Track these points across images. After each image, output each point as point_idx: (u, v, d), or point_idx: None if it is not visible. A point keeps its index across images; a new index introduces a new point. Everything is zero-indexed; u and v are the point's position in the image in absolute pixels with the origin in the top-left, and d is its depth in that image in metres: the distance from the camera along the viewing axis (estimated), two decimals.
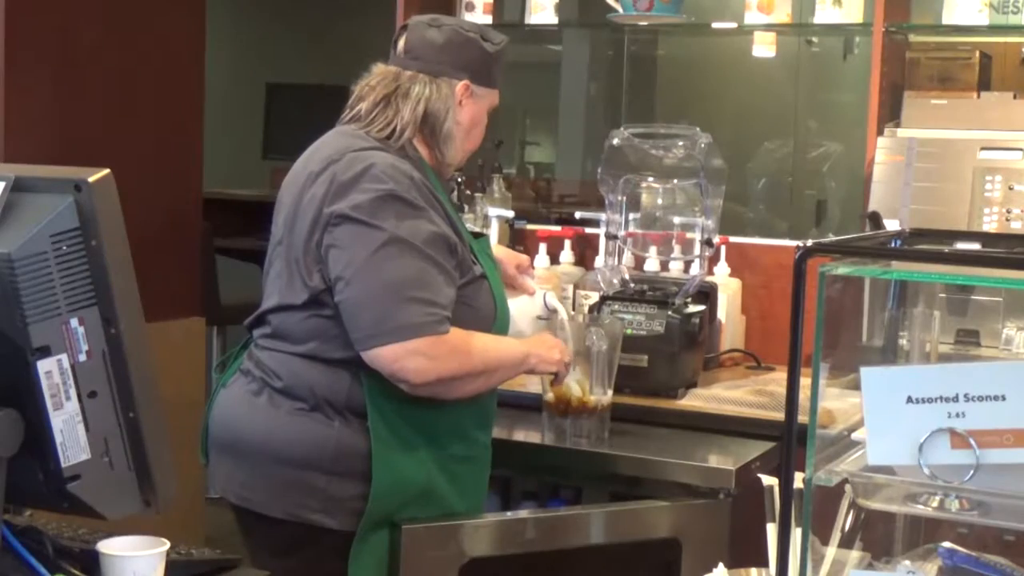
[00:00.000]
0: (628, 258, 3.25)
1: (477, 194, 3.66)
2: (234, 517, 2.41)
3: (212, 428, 2.43)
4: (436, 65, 2.39)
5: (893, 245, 1.91)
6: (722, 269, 3.40)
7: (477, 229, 2.57)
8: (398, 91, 2.38)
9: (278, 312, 2.35)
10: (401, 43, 2.43)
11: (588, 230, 3.57)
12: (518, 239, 3.69)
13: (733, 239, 3.47)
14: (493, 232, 3.45)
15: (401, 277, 2.22)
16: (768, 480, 1.73)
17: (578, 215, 3.67)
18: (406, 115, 2.37)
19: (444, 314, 2.25)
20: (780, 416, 1.60)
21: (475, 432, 2.42)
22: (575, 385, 2.67)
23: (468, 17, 3.81)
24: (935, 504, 1.56)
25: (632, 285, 3.08)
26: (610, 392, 2.72)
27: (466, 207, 3.62)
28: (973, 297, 3.04)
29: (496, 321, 2.42)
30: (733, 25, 3.63)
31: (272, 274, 2.40)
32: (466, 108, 2.42)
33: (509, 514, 2.67)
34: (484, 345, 2.34)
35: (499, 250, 2.75)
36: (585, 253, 3.59)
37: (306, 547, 2.29)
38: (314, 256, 2.29)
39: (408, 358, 2.21)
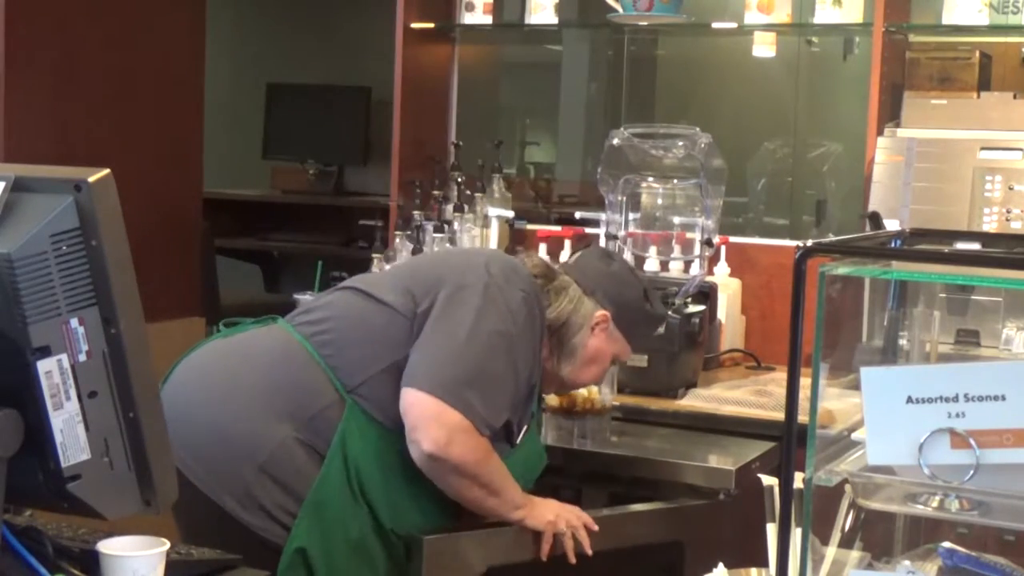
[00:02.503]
0: (628, 258, 3.25)
1: (477, 194, 3.66)
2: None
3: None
4: (592, 284, 2.44)
5: (893, 245, 1.91)
6: (722, 269, 3.40)
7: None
8: (554, 282, 2.42)
9: (357, 293, 2.35)
10: (573, 257, 2.54)
11: (588, 230, 3.57)
12: (518, 239, 3.69)
13: (733, 239, 3.47)
14: (493, 232, 3.45)
15: (492, 370, 2.23)
16: (768, 480, 1.73)
17: (578, 215, 3.67)
18: (553, 309, 2.39)
19: (491, 425, 2.25)
20: (780, 416, 1.60)
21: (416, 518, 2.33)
22: None
23: (468, 17, 3.81)
24: (935, 504, 1.56)
25: None
26: (613, 392, 2.73)
27: (466, 207, 3.62)
28: (973, 297, 3.04)
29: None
30: (733, 25, 3.63)
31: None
32: (596, 337, 2.43)
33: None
34: (500, 467, 2.30)
35: None
36: None
37: (218, 529, 2.21)
38: (422, 299, 2.30)
39: (444, 426, 2.18)
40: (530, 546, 2.35)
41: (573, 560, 2.33)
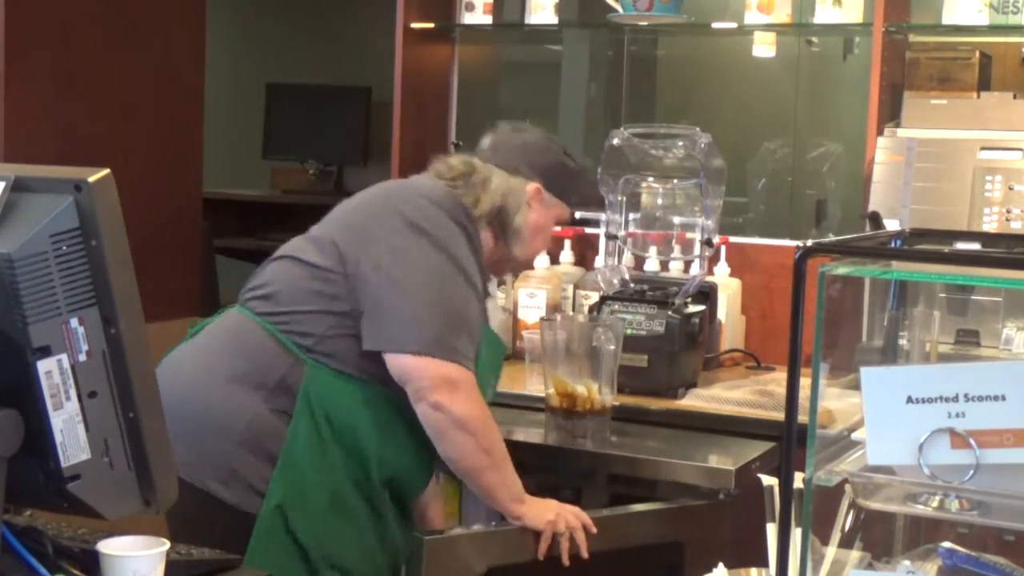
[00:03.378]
0: (628, 258, 3.25)
1: None
2: None
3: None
4: (515, 163, 2.47)
5: (893, 245, 1.91)
6: (722, 269, 3.40)
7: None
8: (478, 177, 2.45)
9: (289, 260, 2.40)
10: (487, 140, 2.53)
11: (588, 230, 3.57)
12: None
13: (733, 239, 3.47)
14: None
15: (458, 306, 2.28)
16: (768, 480, 1.73)
17: (578, 215, 3.67)
18: (485, 202, 2.43)
19: (474, 352, 2.31)
20: (780, 416, 1.60)
21: (403, 458, 2.36)
22: (581, 386, 2.67)
23: (468, 17, 3.81)
24: (935, 504, 1.56)
25: (632, 285, 3.08)
26: (614, 392, 2.73)
27: None
28: (973, 297, 3.04)
29: None
30: (733, 25, 3.63)
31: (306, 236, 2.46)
32: (535, 210, 2.48)
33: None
34: (501, 440, 2.34)
35: None
36: (585, 253, 3.59)
37: (206, 518, 2.23)
38: (352, 248, 2.33)
39: (442, 384, 2.24)
40: (531, 546, 2.35)
41: (567, 562, 2.34)
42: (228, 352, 2.35)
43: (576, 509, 2.39)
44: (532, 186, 2.47)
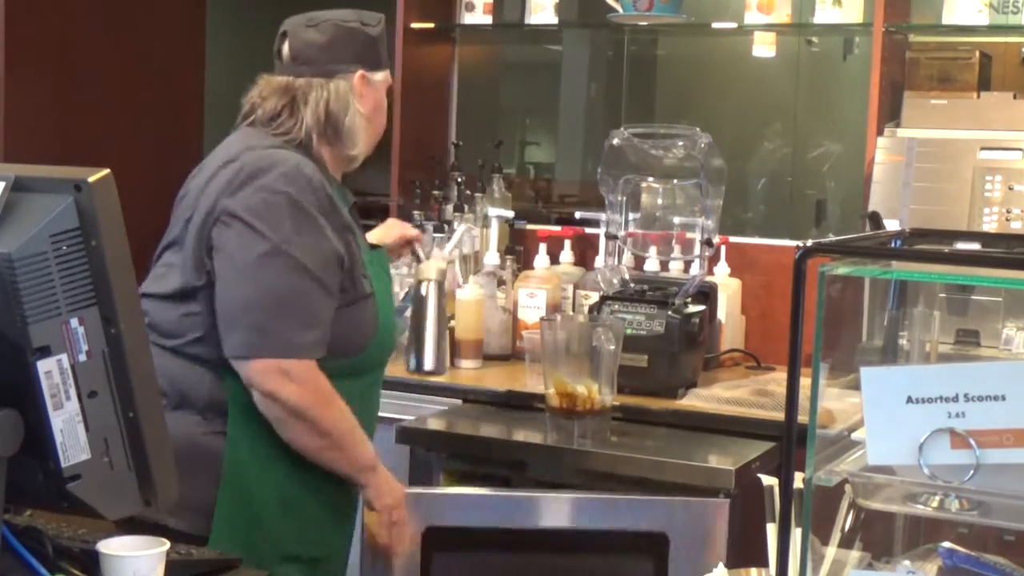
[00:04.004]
0: (628, 258, 3.25)
1: (477, 194, 3.66)
2: None
3: None
4: (327, 65, 2.35)
5: (893, 245, 1.91)
6: (722, 269, 3.40)
7: (374, 241, 2.52)
8: (295, 100, 2.34)
9: (150, 299, 2.27)
10: (285, 50, 2.38)
11: (588, 230, 3.57)
12: (518, 239, 3.69)
13: (733, 239, 3.47)
14: (493, 232, 3.45)
15: (283, 292, 2.18)
16: (768, 480, 1.73)
17: (578, 215, 3.67)
18: (309, 120, 2.32)
19: (320, 340, 2.21)
20: (780, 416, 1.60)
21: None
22: (581, 386, 2.67)
23: (468, 17, 3.81)
24: (935, 504, 1.56)
25: (632, 285, 3.08)
26: (614, 392, 2.72)
27: (466, 207, 3.62)
28: (973, 297, 3.04)
29: (374, 340, 2.34)
30: (733, 25, 3.63)
31: (157, 264, 2.33)
32: (366, 97, 2.37)
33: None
34: (345, 419, 2.26)
35: (388, 225, 2.72)
36: (585, 253, 3.59)
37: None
38: (198, 249, 2.23)
39: (275, 376, 2.17)
40: (468, 510, 2.44)
41: (393, 552, 2.36)
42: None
43: (396, 488, 2.37)
44: (356, 77, 2.35)
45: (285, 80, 2.36)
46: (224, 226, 2.21)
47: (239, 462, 2.23)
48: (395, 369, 3.17)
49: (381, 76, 2.41)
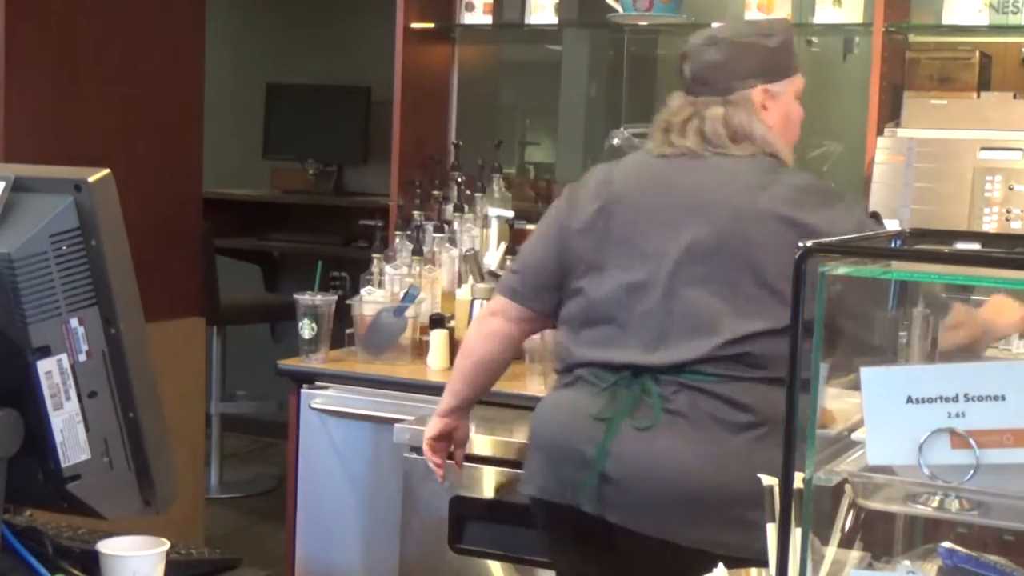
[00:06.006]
0: None
1: (477, 194, 3.66)
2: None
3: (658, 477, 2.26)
4: (723, 83, 2.38)
5: (893, 245, 1.91)
6: None
7: None
8: (695, 119, 2.38)
9: (763, 338, 2.25)
10: (686, 71, 2.42)
11: None
12: (518, 239, 3.68)
13: None
14: (493, 232, 3.45)
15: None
16: (768, 480, 1.73)
17: None
18: (711, 136, 2.36)
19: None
20: None
21: None
22: None
23: (468, 17, 3.81)
24: (935, 504, 1.56)
25: None
26: None
27: (466, 207, 3.62)
28: (973, 297, 3.03)
29: None
30: None
31: (707, 303, 2.28)
32: (770, 110, 2.39)
33: None
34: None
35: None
36: None
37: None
38: (785, 274, 2.19)
39: None
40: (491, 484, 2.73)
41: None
42: None
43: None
44: (756, 91, 2.39)
45: (688, 101, 2.41)
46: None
47: None
48: (395, 369, 3.17)
49: (786, 84, 2.42)
